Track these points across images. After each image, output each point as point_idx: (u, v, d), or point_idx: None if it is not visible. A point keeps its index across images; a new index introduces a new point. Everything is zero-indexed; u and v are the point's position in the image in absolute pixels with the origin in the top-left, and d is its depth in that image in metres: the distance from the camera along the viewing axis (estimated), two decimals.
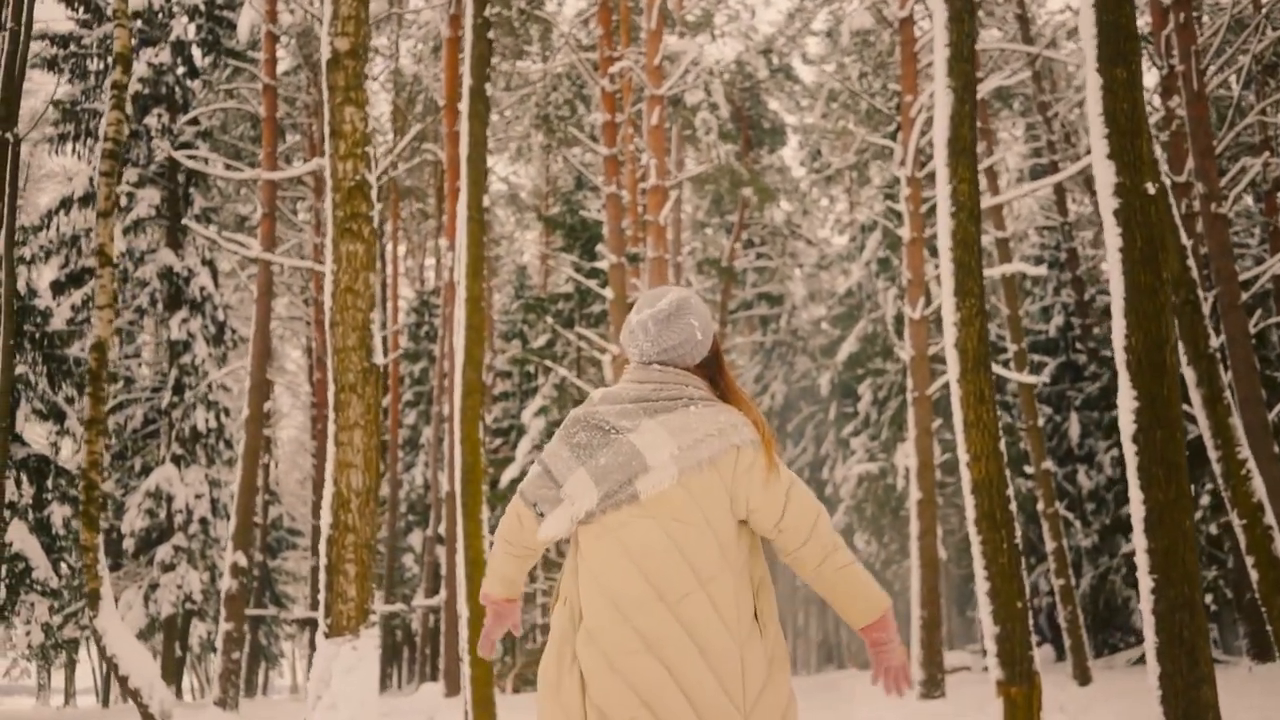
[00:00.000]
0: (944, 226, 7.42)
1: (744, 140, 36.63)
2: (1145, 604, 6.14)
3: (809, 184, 40.27)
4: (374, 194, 7.50)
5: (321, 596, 7.01)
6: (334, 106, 7.55)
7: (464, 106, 9.63)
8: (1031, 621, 8.59)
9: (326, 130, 7.58)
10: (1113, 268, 6.09)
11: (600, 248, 18.14)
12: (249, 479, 20.06)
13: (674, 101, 20.72)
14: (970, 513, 7.25)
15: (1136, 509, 6.02)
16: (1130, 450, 5.99)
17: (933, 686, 16.58)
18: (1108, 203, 6.10)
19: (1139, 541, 6.08)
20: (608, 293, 17.70)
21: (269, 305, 21.27)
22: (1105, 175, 6.07)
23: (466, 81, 9.58)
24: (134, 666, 12.18)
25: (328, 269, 7.35)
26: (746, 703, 2.73)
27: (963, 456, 7.31)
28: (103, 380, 12.97)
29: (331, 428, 7.14)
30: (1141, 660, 24.94)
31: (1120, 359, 6.01)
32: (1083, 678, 18.68)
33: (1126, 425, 5.99)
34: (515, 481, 24.13)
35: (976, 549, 7.25)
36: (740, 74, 35.96)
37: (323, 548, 7.00)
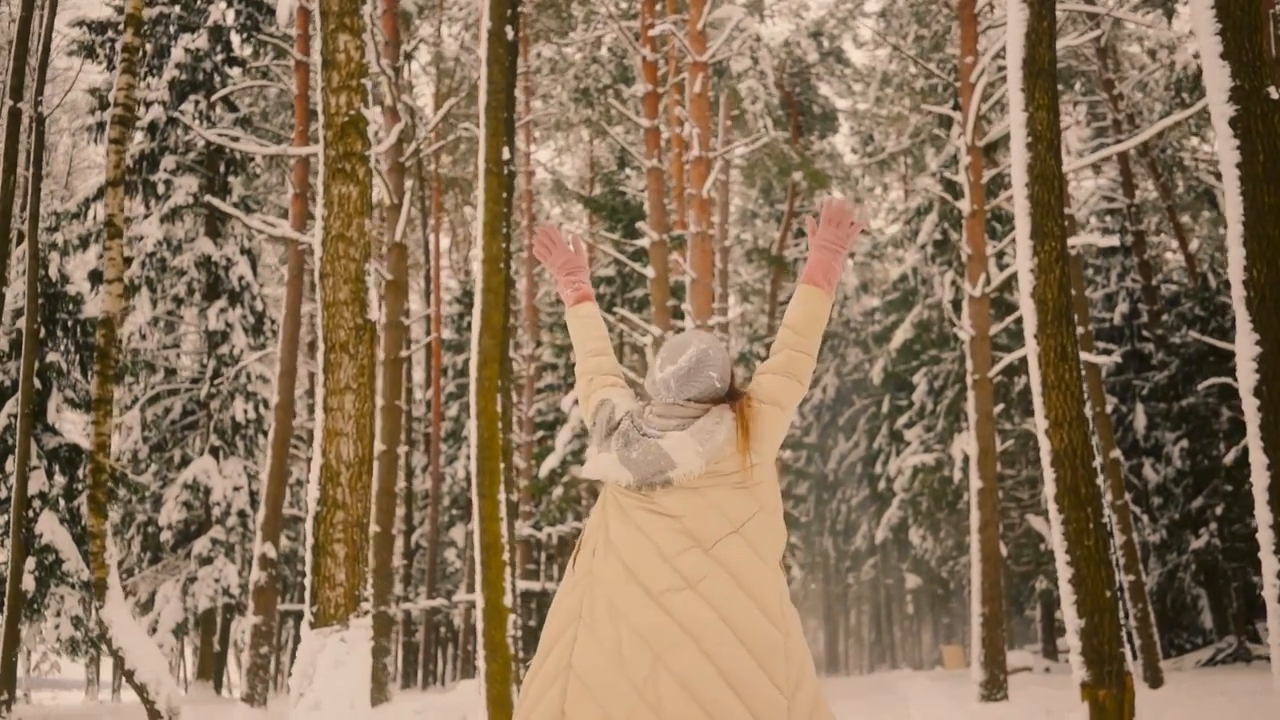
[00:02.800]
0: (1019, 160, 6.45)
1: (794, 126, 35.61)
2: (1270, 591, 5.16)
3: (861, 170, 39.14)
4: (370, 131, 6.66)
5: (307, 581, 6.20)
6: (326, 34, 6.73)
7: (483, 51, 8.80)
8: None
9: (319, 61, 6.76)
10: (1229, 188, 5.13)
11: (641, 225, 17.25)
12: (279, 467, 19.40)
13: (719, 72, 19.81)
14: (1050, 488, 6.28)
15: (1259, 476, 5.05)
16: (1250, 407, 5.03)
17: (995, 688, 15.53)
18: (1221, 110, 5.14)
19: (1262, 516, 5.11)
20: (649, 271, 16.83)
21: (300, 289, 20.60)
22: (1218, 79, 5.11)
23: (485, 24, 8.75)
24: (140, 660, 11.45)
25: (319, 214, 6.54)
26: (784, 624, 3.00)
27: (1041, 423, 6.33)
28: (111, 357, 12.25)
29: (320, 391, 6.33)
30: (1211, 662, 23.73)
31: (1238, 295, 5.06)
32: (1154, 680, 17.55)
33: (1246, 376, 5.03)
34: (555, 472, 23.34)
35: (1057, 530, 6.26)
36: (790, 57, 34.96)
37: (309, 526, 6.19)
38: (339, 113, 6.61)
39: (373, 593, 19.14)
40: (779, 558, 3.13)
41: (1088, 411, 6.31)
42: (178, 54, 27.54)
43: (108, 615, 11.65)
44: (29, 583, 21.96)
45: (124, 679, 11.56)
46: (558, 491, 23.25)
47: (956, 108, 20.05)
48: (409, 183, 18.73)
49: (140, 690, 11.33)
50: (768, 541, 3.09)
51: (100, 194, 28.96)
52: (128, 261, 28.85)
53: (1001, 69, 16.70)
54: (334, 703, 5.80)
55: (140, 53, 13.24)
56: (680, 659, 2.88)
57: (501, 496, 8.16)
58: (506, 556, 8.06)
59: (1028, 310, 6.43)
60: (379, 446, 19.08)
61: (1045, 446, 6.38)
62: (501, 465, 8.25)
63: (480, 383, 8.24)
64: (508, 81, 9.15)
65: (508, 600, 7.99)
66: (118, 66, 13.11)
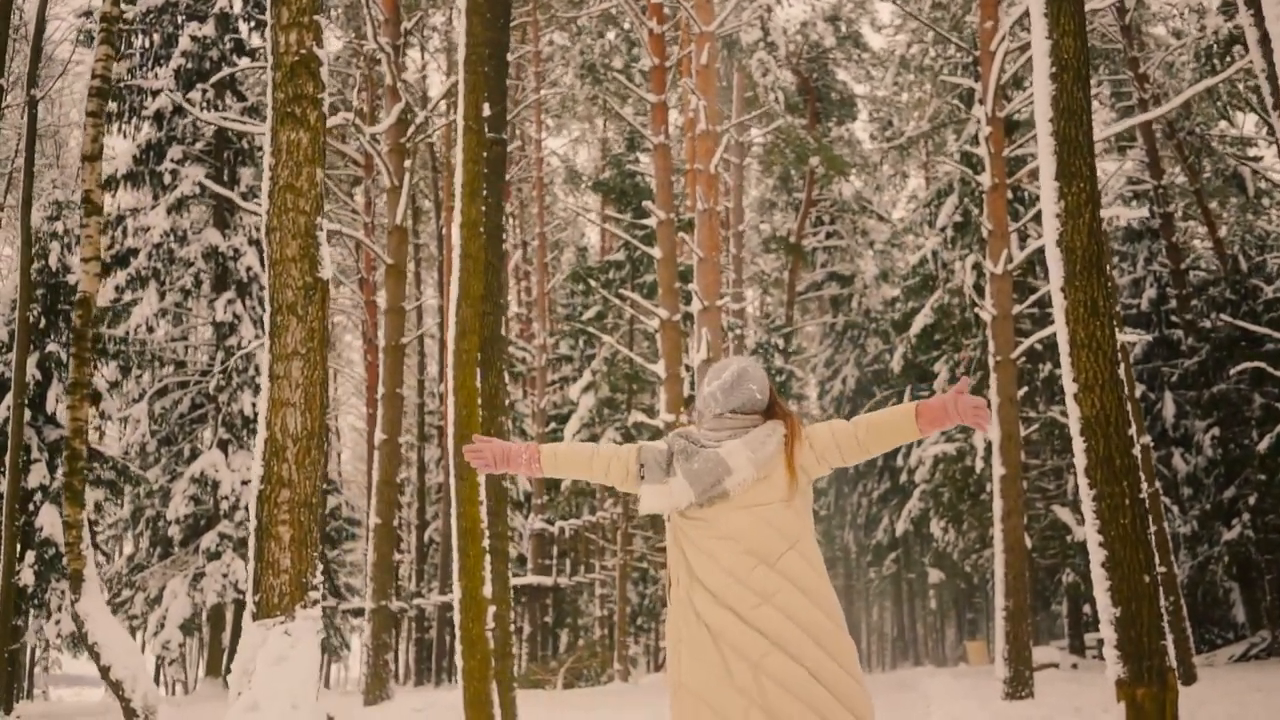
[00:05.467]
0: (1042, 92, 5.77)
1: (811, 112, 34.90)
2: None
3: (880, 155, 38.34)
4: (324, 72, 6.04)
5: (250, 568, 5.59)
6: None
7: (461, 0, 8.18)
8: None
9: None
10: None
11: (648, 204, 16.60)
12: None
13: (729, 45, 19.13)
14: (1080, 459, 5.60)
15: None
16: None
17: (1019, 685, 14.79)
18: (1277, 11, 4.47)
19: None
20: (656, 251, 16.18)
21: None
22: None
23: None
24: (117, 656, 10.91)
25: (265, 164, 5.93)
26: (843, 624, 3.49)
27: (1069, 387, 5.64)
28: (87, 339, 11.71)
29: (266, 357, 5.71)
30: (1244, 658, 22.92)
31: None
32: (1187, 676, 16.78)
33: None
34: None
35: (1089, 507, 5.57)
36: (806, 42, 34.24)
37: (252, 507, 5.58)
38: (288, 52, 5.99)
39: (373, 587, 18.60)
40: (812, 523, 3.60)
41: (1122, 375, 5.62)
42: (184, 42, 27.22)
43: (84, 608, 11.13)
44: (28, 577, 21.53)
45: (99, 674, 11.00)
46: (566, 483, 22.63)
47: (977, 79, 19.32)
48: (408, 163, 18.13)
49: (116, 687, 10.80)
50: (819, 556, 3.53)
51: (107, 184, 28.61)
52: (134, 253, 28.50)
53: (1024, 43, 15.98)
54: (274, 703, 5.19)
55: (120, 23, 12.73)
56: (775, 664, 3.36)
57: (481, 479, 7.54)
58: (487, 543, 7.44)
59: (1054, 260, 5.75)
60: (380, 436, 18.53)
61: (1074, 413, 5.68)
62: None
63: (458, 355, 7.62)
64: (490, 36, 8.53)
65: (487, 590, 7.35)
66: (96, 37, 12.61)
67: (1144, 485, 5.61)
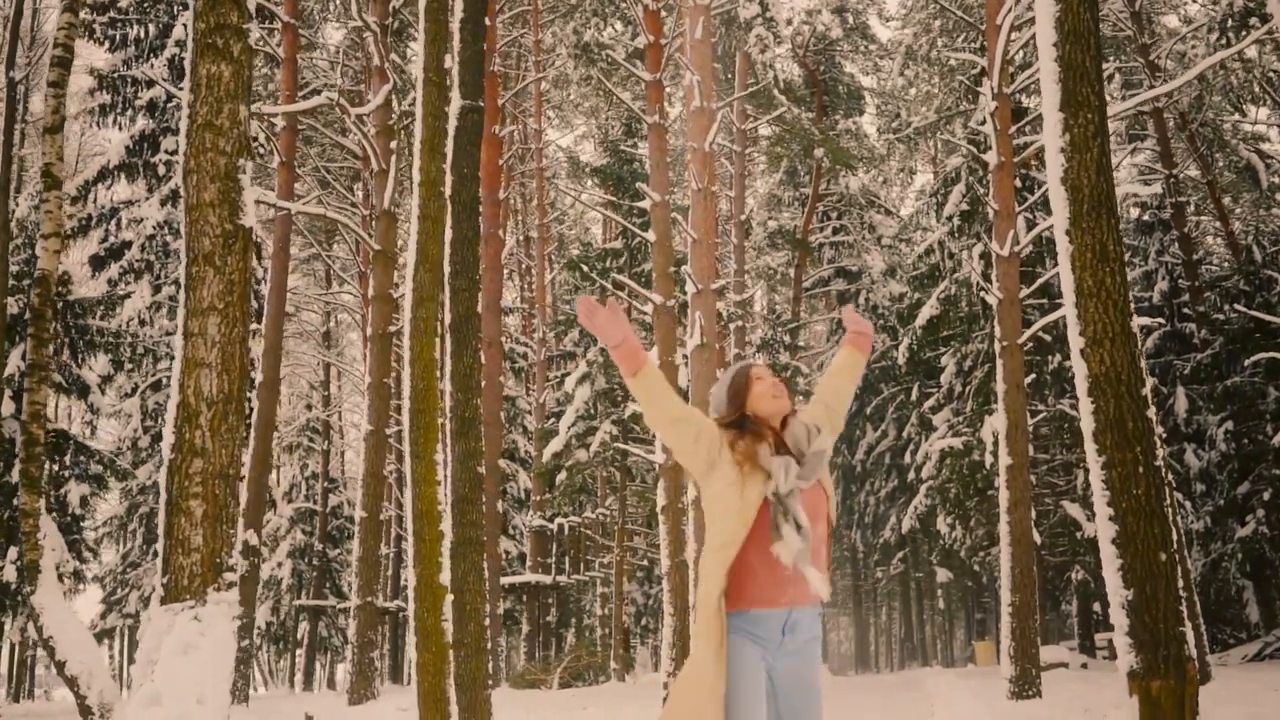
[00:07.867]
0: (1045, 14, 5.16)
1: (818, 104, 34.33)
2: None
3: (886, 147, 37.71)
4: (250, 4, 5.48)
5: (160, 546, 5.02)
6: None
7: None
8: None
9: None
10: None
11: (642, 186, 16.03)
12: (263, 449, 18.26)
13: (726, 23, 18.55)
14: (1088, 422, 4.96)
15: None
16: None
17: (1026, 684, 14.16)
18: None
19: None
20: (650, 235, 15.60)
21: (286, 261, 19.55)
22: None
23: None
24: (73, 651, 10.36)
25: (184, 101, 5.36)
26: (700, 634, 3.50)
27: (1075, 341, 5.02)
28: (47, 319, 11.17)
29: (180, 313, 5.14)
30: (1258, 657, 22.25)
31: None
32: (1202, 675, 16.12)
33: None
34: (557, 456, 22.16)
35: (1098, 476, 4.94)
36: (813, 33, 33.62)
37: (162, 479, 5.01)
38: None
39: (359, 583, 18.05)
40: (712, 576, 3.45)
41: (1135, 327, 5.01)
42: (179, 31, 26.85)
43: (40, 601, 10.58)
44: (11, 574, 21.01)
45: (55, 669, 10.45)
46: (561, 476, 22.10)
47: (983, 54, 18.70)
48: (394, 144, 17.58)
49: (71, 683, 10.24)
50: (707, 570, 3.49)
51: (100, 176, 28.15)
52: (127, 245, 28.02)
53: (1030, 19, 15.36)
54: (177, 697, 4.60)
55: None
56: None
57: (439, 458, 6.96)
58: (445, 527, 6.86)
59: (1058, 200, 5.13)
60: (366, 426, 17.98)
61: (1081, 371, 5.05)
62: (440, 421, 7.05)
63: (415, 323, 7.04)
64: None
65: (444, 578, 6.77)
66: (60, 4, 12.09)
67: (1159, 451, 5.00)
